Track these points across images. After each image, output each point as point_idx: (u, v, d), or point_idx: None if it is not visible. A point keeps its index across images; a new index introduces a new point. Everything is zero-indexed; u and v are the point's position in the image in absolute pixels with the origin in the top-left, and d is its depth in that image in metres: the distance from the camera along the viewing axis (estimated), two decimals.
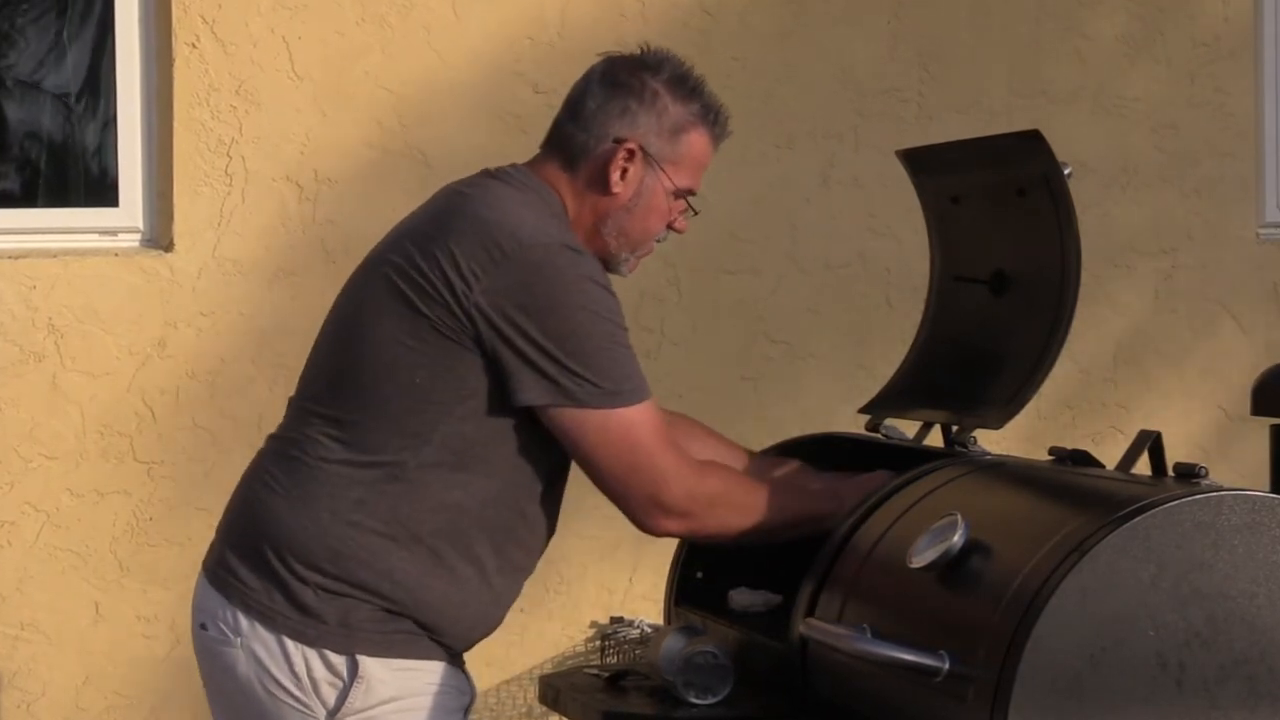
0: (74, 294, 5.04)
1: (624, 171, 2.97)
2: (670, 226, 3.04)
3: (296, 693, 2.84)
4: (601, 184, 2.97)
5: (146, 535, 5.07)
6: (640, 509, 2.89)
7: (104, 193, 5.27)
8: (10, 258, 5.05)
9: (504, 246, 2.82)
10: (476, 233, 2.84)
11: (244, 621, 2.86)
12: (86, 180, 5.41)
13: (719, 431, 3.30)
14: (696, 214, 3.09)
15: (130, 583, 5.06)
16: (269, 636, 2.84)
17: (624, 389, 2.84)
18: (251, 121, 5.11)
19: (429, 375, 2.83)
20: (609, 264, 2.99)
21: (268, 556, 2.86)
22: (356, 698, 2.83)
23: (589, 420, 2.83)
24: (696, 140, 3.00)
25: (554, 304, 2.81)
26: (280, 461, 2.93)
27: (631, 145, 2.96)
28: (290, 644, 2.84)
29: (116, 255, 5.11)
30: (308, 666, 2.83)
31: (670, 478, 2.86)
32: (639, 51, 3.04)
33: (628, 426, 2.84)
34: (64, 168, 5.47)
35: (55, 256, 5.08)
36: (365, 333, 2.89)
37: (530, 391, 2.82)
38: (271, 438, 3.01)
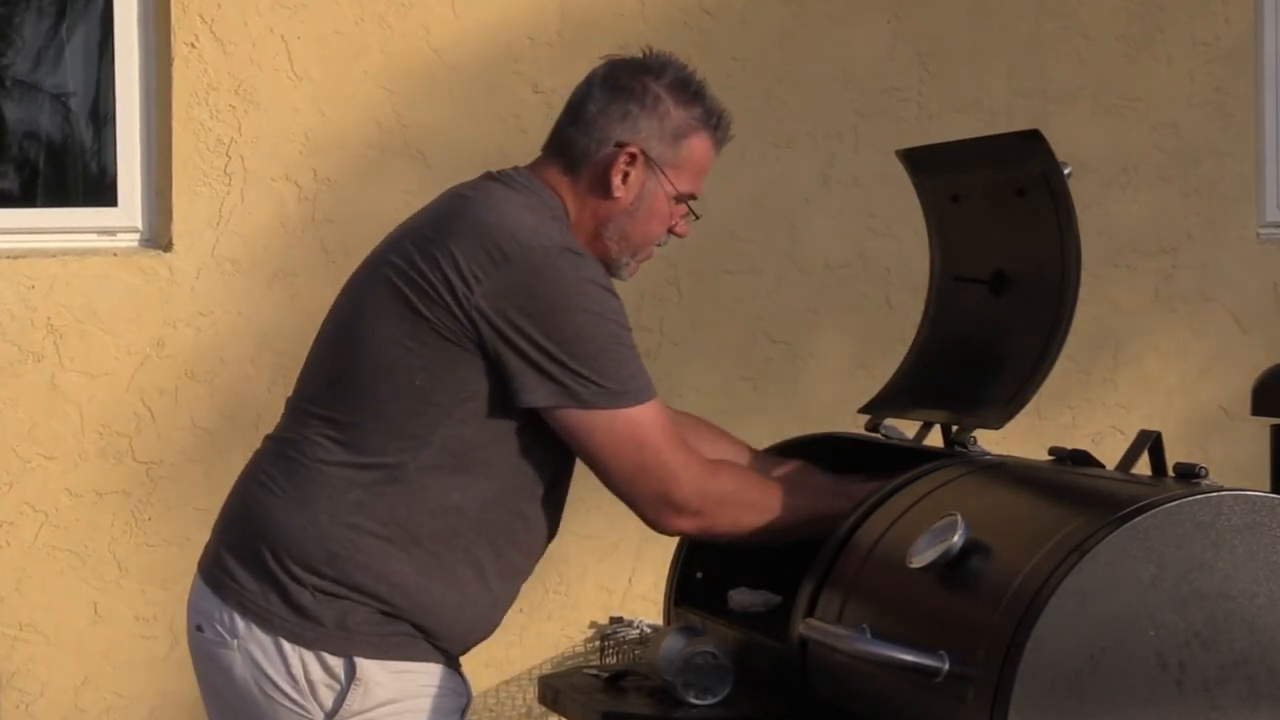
0: (73, 294, 5.03)
1: (625, 176, 2.95)
2: (671, 230, 3.03)
3: (294, 695, 2.83)
4: (603, 188, 2.96)
5: (145, 535, 5.07)
6: (651, 508, 2.88)
7: (103, 192, 5.26)
8: (9, 258, 5.04)
9: (505, 249, 2.81)
10: (477, 235, 2.83)
11: (240, 623, 2.85)
12: (85, 180, 5.40)
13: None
14: (698, 218, 3.08)
15: (129, 583, 5.06)
16: (266, 638, 2.84)
17: (629, 389, 2.83)
18: (250, 121, 5.11)
19: (429, 377, 2.82)
20: (610, 268, 2.98)
21: (265, 558, 2.85)
22: (354, 700, 2.82)
23: (596, 421, 2.82)
24: (698, 145, 2.99)
25: (555, 307, 2.80)
26: (278, 462, 2.92)
27: (633, 149, 2.94)
28: (287, 646, 2.83)
29: (115, 255, 5.11)
30: (305, 669, 2.82)
31: (680, 476, 2.86)
32: (641, 54, 3.02)
33: (635, 426, 2.83)
34: (63, 167, 5.47)
35: (54, 256, 5.07)
36: (365, 334, 2.88)
37: (535, 394, 2.81)
38: (269, 438, 3.00)
